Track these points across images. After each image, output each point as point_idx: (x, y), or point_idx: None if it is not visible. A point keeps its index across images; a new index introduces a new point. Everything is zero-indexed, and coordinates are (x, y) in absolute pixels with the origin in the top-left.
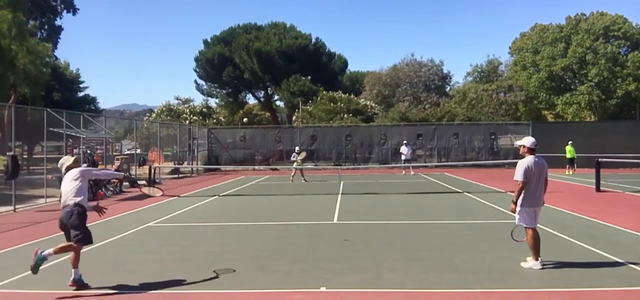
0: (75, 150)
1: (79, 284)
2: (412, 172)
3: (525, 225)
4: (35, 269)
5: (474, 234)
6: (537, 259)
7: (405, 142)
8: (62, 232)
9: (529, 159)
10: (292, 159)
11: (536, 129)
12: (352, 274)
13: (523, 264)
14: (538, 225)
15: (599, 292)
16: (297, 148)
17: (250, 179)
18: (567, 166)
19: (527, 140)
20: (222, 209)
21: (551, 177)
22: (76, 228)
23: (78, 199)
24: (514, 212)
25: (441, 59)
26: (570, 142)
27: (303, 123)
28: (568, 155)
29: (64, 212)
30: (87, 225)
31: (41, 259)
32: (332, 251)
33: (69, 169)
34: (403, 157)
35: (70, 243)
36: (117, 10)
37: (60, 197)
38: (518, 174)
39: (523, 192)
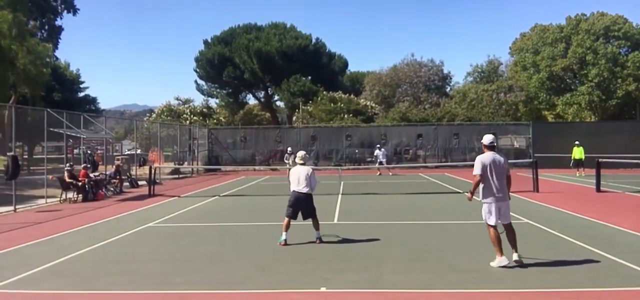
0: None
1: (321, 240)
2: (390, 173)
3: (485, 222)
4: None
5: (474, 234)
6: (501, 255)
7: (378, 146)
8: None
9: (485, 155)
10: (285, 160)
11: (536, 130)
12: (352, 274)
13: (492, 263)
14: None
15: (599, 292)
16: (289, 149)
17: (251, 179)
18: (577, 167)
19: (485, 138)
20: (222, 209)
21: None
22: (313, 207)
23: (309, 190)
24: (470, 200)
25: (441, 59)
26: (577, 143)
27: (303, 123)
28: (577, 156)
29: (300, 195)
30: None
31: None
32: (332, 251)
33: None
34: (378, 161)
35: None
36: (117, 10)
37: (290, 181)
38: (475, 169)
39: (482, 185)
